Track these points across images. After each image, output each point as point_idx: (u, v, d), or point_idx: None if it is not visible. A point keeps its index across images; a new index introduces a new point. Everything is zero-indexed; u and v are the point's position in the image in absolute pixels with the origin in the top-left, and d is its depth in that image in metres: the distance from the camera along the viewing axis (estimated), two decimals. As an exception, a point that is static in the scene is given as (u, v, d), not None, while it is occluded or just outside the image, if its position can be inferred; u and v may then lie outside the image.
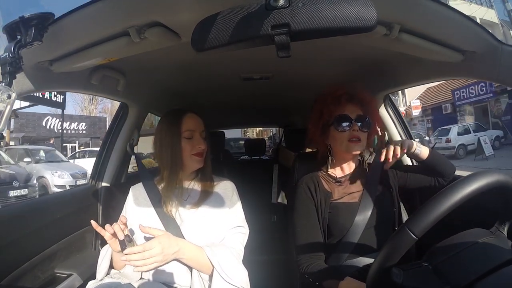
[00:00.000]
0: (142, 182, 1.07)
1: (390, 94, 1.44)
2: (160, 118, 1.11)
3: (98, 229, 0.88)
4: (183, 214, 0.98)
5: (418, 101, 18.18)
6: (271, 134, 13.58)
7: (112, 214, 1.30)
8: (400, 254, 0.58)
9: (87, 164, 9.46)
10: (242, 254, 0.97)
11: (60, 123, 15.50)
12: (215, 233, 0.96)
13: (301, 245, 1.01)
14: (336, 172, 1.09)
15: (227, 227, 0.98)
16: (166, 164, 1.00)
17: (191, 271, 0.91)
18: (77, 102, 25.04)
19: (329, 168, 1.09)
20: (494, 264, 0.58)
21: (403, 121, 1.49)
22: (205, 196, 1.01)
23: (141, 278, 0.95)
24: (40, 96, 10.89)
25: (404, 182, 1.09)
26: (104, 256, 0.96)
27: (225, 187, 1.06)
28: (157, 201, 1.00)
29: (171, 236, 0.88)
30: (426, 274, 0.62)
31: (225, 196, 1.04)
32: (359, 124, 1.01)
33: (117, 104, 1.56)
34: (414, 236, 0.56)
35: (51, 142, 15.21)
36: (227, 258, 0.89)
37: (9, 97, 0.61)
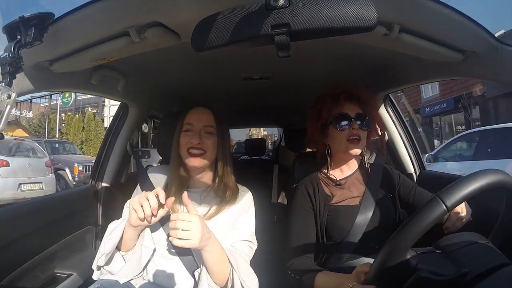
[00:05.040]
0: (140, 183, 1.04)
1: (390, 94, 1.44)
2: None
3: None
4: None
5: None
6: (275, 139, 13.60)
7: (112, 214, 1.30)
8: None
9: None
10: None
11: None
12: (222, 243, 0.88)
13: (292, 245, 1.00)
14: (336, 174, 1.07)
15: (235, 240, 0.93)
16: (171, 161, 0.99)
17: (199, 280, 0.86)
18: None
19: (329, 169, 1.07)
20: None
21: (403, 121, 1.49)
22: (222, 205, 0.95)
23: (137, 276, 0.92)
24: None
25: (407, 195, 1.07)
26: (113, 230, 0.88)
27: (244, 199, 1.00)
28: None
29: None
30: (439, 259, 0.62)
31: (241, 209, 0.98)
32: (358, 122, 0.99)
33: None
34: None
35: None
36: (243, 263, 0.86)
37: (9, 97, 0.61)
